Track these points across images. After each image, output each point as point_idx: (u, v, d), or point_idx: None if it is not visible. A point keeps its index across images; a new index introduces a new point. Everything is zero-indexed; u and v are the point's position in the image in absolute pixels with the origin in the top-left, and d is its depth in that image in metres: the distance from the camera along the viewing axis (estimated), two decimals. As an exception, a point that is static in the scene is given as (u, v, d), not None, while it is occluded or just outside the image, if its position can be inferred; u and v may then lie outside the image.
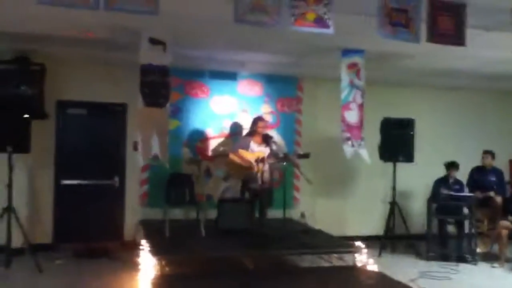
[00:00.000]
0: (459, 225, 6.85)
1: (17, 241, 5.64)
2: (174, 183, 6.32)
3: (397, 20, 4.02)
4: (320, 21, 3.87)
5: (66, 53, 6.25)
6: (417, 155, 7.05)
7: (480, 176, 7.19)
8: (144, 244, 5.14)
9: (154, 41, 5.12)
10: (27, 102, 5.84)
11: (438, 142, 8.04)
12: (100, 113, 6.93)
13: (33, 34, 5.27)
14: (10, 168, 5.51)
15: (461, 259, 6.50)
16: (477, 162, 7.33)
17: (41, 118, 6.11)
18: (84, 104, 6.82)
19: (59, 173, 6.66)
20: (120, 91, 6.71)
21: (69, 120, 6.78)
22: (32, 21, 4.76)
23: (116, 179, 6.89)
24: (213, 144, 7.25)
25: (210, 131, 7.25)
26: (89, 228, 6.60)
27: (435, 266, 6.21)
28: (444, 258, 6.58)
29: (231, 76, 7.33)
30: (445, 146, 7.97)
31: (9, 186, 5.49)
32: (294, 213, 7.24)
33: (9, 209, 5.48)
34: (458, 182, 6.96)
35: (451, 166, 6.93)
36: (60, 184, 6.65)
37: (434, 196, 6.89)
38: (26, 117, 5.67)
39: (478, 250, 6.66)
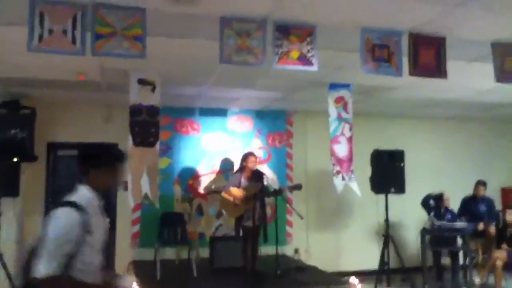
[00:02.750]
0: (454, 256, 6.79)
1: (4, 288, 5.51)
2: (166, 222, 6.28)
3: (380, 56, 4.11)
4: (303, 59, 3.95)
5: (56, 95, 6.31)
6: (408, 186, 7.05)
7: (471, 205, 7.19)
8: (135, 286, 5.03)
9: (143, 82, 5.19)
10: (17, 145, 5.83)
11: (429, 172, 8.07)
12: (90, 153, 6.91)
13: (23, 78, 5.34)
14: (-1, 213, 5.47)
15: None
16: (469, 190, 7.35)
17: (31, 160, 6.09)
18: (75, 145, 6.77)
19: (49, 216, 6.57)
20: (110, 131, 6.70)
21: (59, 162, 6.78)
22: (22, 66, 4.84)
23: (107, 219, 6.79)
24: (205, 181, 7.23)
25: (201, 168, 7.24)
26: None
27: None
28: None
29: (221, 112, 7.39)
30: (437, 176, 8.00)
31: (-3, 231, 5.42)
32: (287, 249, 7.15)
33: (-4, 255, 5.39)
34: (450, 212, 6.94)
35: (441, 196, 6.93)
36: (50, 227, 6.55)
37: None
38: (15, 161, 5.65)
39: (477, 281, 6.58)
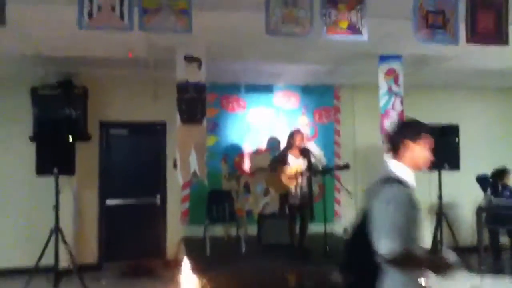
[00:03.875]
0: (513, 235, 6.48)
1: (64, 262, 5.77)
2: (214, 199, 6.34)
3: (434, 22, 3.88)
4: (353, 28, 3.79)
5: (107, 74, 6.46)
6: (463, 162, 6.76)
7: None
8: (186, 262, 5.14)
9: (189, 59, 5.20)
10: (71, 125, 6.05)
11: (485, 148, 7.69)
12: (140, 132, 7.09)
13: (75, 57, 5.50)
14: (57, 190, 5.69)
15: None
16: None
17: (85, 140, 6.30)
18: (125, 125, 7.00)
19: (103, 194, 6.83)
20: (159, 109, 6.83)
21: (111, 141, 6.97)
22: (74, 45, 4.97)
23: (158, 197, 6.98)
24: (251, 158, 7.23)
25: (248, 146, 7.24)
26: (133, 247, 6.69)
27: (489, 281, 5.86)
28: (499, 271, 6.20)
29: (267, 88, 7.33)
30: (493, 152, 7.61)
31: (56, 207, 5.65)
32: (336, 227, 7.06)
33: (56, 230, 5.62)
34: (508, 189, 6.60)
35: (501, 173, 6.58)
36: (104, 204, 6.81)
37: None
38: (70, 140, 5.85)
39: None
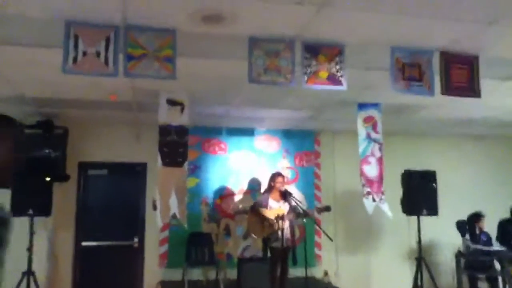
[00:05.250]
0: (493, 282, 6.50)
1: (35, 306, 5.56)
2: (194, 242, 6.27)
3: (411, 75, 4.04)
4: (332, 79, 3.91)
5: (88, 115, 6.45)
6: (441, 207, 6.84)
7: (509, 228, 6.89)
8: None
9: (172, 102, 5.25)
10: (50, 165, 5.98)
11: (463, 193, 7.82)
12: (120, 173, 7.03)
13: (57, 98, 5.49)
14: (31, 232, 5.55)
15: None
16: (505, 211, 7.07)
17: (63, 180, 6.23)
18: (105, 165, 6.94)
19: (79, 235, 6.67)
20: (140, 150, 6.82)
21: (90, 181, 6.88)
22: (56, 87, 4.98)
23: (136, 239, 6.85)
24: (232, 201, 7.21)
25: (229, 188, 7.23)
26: (108, 290, 6.50)
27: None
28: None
29: (248, 132, 7.40)
30: (471, 197, 7.73)
31: (30, 249, 5.50)
32: (316, 272, 7.01)
33: (28, 273, 5.45)
34: (485, 234, 6.69)
35: (476, 217, 6.69)
36: (79, 246, 6.64)
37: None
38: (48, 180, 5.76)
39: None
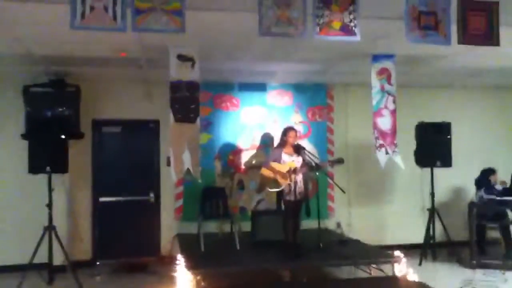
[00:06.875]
0: (505, 231, 6.54)
1: (58, 259, 5.78)
2: (208, 196, 6.35)
3: (426, 23, 3.91)
4: (346, 29, 3.81)
5: (100, 73, 6.43)
6: (455, 159, 6.82)
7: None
8: (180, 259, 5.17)
9: (182, 58, 5.19)
10: (63, 123, 6.03)
11: (477, 145, 7.76)
12: (134, 130, 7.08)
13: (67, 56, 5.47)
14: (50, 188, 5.69)
15: (509, 266, 6.19)
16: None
17: (77, 137, 6.30)
18: (118, 122, 6.98)
19: (96, 191, 6.82)
20: (152, 107, 6.83)
21: (104, 139, 6.96)
22: (66, 44, 4.95)
23: (152, 194, 6.99)
24: (245, 156, 7.25)
25: (241, 143, 7.26)
26: (127, 244, 6.71)
27: (480, 275, 5.95)
28: (490, 265, 6.29)
29: (260, 87, 7.33)
30: (484, 148, 7.69)
31: (49, 205, 5.66)
32: (329, 223, 7.12)
33: (50, 228, 5.64)
34: (499, 186, 6.68)
35: (491, 171, 6.67)
36: (97, 201, 6.81)
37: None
38: (63, 138, 5.84)
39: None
